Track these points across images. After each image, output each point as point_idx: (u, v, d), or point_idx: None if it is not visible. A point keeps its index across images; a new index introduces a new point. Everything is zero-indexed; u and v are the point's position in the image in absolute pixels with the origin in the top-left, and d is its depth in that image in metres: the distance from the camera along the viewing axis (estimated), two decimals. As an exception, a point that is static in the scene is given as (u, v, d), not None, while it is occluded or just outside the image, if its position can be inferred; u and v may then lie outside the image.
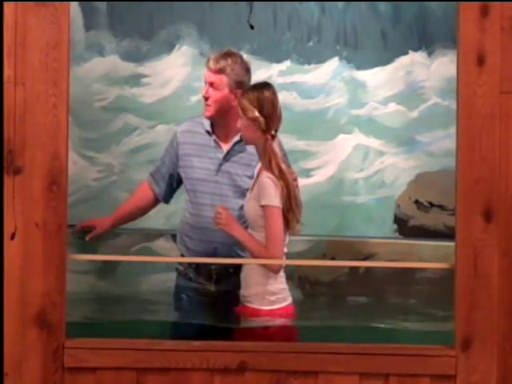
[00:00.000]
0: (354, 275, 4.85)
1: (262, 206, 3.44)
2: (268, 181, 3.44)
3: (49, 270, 2.88)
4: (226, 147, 3.84)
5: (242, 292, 3.56)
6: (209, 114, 3.83)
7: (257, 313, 3.50)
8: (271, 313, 3.50)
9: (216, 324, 3.54)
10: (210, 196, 3.80)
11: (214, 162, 3.82)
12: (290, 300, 3.56)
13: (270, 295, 3.50)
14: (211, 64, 3.81)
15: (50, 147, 2.88)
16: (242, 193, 3.76)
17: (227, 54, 3.85)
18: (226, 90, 3.81)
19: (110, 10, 5.04)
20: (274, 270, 3.49)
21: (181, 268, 3.90)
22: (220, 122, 3.84)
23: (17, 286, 2.88)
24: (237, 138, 3.81)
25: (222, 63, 3.80)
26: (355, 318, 4.19)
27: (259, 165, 3.60)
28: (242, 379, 2.91)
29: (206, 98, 3.81)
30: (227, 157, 3.82)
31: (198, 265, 3.82)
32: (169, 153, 3.94)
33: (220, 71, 3.79)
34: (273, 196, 3.43)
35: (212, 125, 3.87)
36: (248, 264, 3.55)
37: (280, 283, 3.53)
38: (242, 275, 3.57)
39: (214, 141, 3.84)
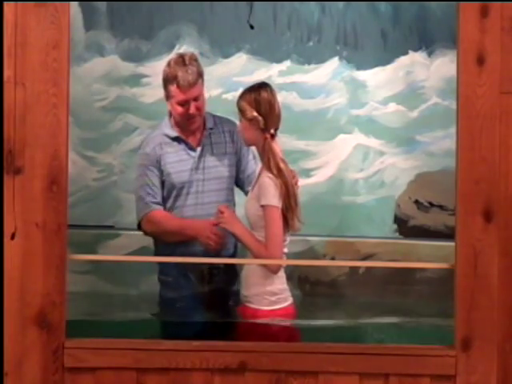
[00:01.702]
0: (354, 275, 4.85)
1: (262, 206, 3.45)
2: (268, 180, 3.44)
3: (49, 270, 2.88)
4: (197, 145, 3.83)
5: (243, 292, 3.56)
6: (197, 124, 3.79)
7: (257, 313, 3.50)
8: (272, 313, 3.49)
9: (215, 321, 3.55)
10: (194, 195, 3.79)
11: (190, 162, 3.81)
12: (290, 300, 3.56)
13: (270, 295, 3.50)
14: (184, 82, 3.68)
15: (50, 147, 2.88)
16: (225, 183, 3.76)
17: (182, 60, 3.74)
18: (203, 91, 3.80)
19: (110, 10, 5.04)
20: (273, 271, 3.49)
21: (169, 278, 3.85)
22: (193, 125, 3.82)
23: (17, 285, 2.88)
24: (206, 132, 3.81)
25: (193, 69, 3.72)
26: (355, 317, 4.18)
27: (260, 165, 3.61)
28: (242, 379, 2.91)
29: (193, 114, 3.74)
30: (201, 153, 3.81)
31: (188, 269, 3.79)
32: (154, 173, 3.82)
33: (197, 79, 3.73)
34: (272, 196, 3.43)
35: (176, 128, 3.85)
36: (248, 264, 3.54)
37: (280, 283, 3.53)
38: (243, 275, 3.57)
39: (184, 143, 3.83)
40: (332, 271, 4.85)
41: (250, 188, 3.64)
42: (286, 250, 3.53)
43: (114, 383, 2.92)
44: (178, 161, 3.81)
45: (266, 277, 3.49)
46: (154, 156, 3.81)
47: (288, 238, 3.53)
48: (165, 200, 3.83)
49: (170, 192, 3.81)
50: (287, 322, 3.54)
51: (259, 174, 3.54)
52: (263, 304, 3.50)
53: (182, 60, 3.76)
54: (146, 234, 3.89)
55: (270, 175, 3.45)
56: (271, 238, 3.43)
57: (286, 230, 3.50)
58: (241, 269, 3.65)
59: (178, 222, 3.78)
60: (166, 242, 3.80)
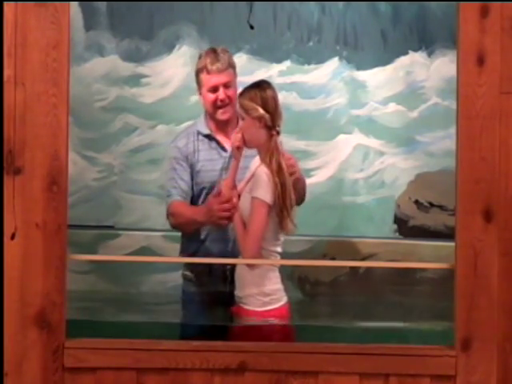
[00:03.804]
0: (353, 275, 4.85)
1: (253, 198, 3.42)
2: (264, 175, 3.42)
3: (49, 270, 2.88)
4: (229, 145, 3.83)
5: (237, 293, 3.53)
6: (228, 115, 3.79)
7: (251, 314, 3.48)
8: (265, 313, 3.48)
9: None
10: None
11: (220, 162, 3.81)
12: (285, 300, 3.53)
13: (264, 296, 3.48)
14: (213, 66, 3.73)
15: (50, 147, 2.88)
16: None
17: (214, 51, 3.80)
18: (235, 82, 3.81)
19: (110, 10, 5.05)
20: (246, 255, 3.44)
21: (191, 275, 3.86)
22: (224, 121, 3.83)
23: (17, 285, 2.88)
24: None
25: (224, 58, 3.76)
26: (355, 317, 4.19)
27: (254, 160, 3.58)
28: (242, 379, 2.91)
29: (223, 101, 3.76)
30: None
31: (211, 268, 3.79)
32: (183, 168, 3.81)
33: (227, 67, 3.76)
34: (265, 191, 3.40)
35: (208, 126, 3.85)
36: (245, 264, 3.51)
37: (275, 283, 3.50)
38: (236, 275, 3.55)
39: (216, 143, 3.83)
40: (332, 271, 4.86)
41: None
42: (279, 250, 3.51)
43: (113, 383, 2.92)
44: (209, 159, 3.81)
45: (261, 277, 3.47)
46: (185, 151, 3.82)
47: (282, 238, 3.51)
48: (196, 198, 3.82)
49: (201, 190, 3.80)
50: (286, 322, 3.53)
51: (256, 169, 3.50)
52: (257, 305, 3.48)
53: (212, 50, 3.81)
54: (173, 227, 3.87)
55: (268, 171, 3.43)
56: (251, 230, 3.40)
57: (279, 230, 3.48)
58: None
59: (187, 210, 3.77)
60: (189, 233, 3.80)
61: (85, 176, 4.97)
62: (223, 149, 3.82)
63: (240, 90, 3.65)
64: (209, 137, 3.84)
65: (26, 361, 2.89)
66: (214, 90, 3.76)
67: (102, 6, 5.03)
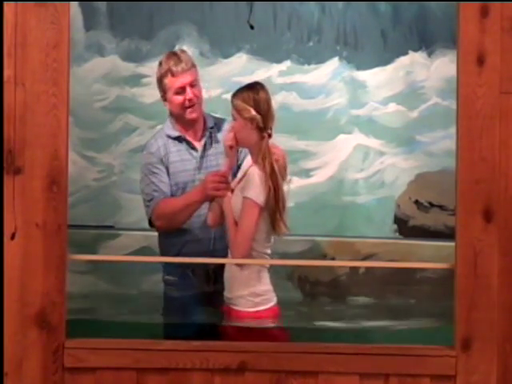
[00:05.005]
0: (354, 275, 4.86)
1: (244, 198, 3.41)
2: (256, 176, 3.41)
3: (49, 270, 2.88)
4: (199, 144, 3.83)
5: (226, 294, 3.52)
6: (197, 114, 3.81)
7: (241, 315, 3.47)
8: (255, 314, 3.47)
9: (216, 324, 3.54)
10: None
11: (193, 162, 3.82)
12: (274, 301, 3.52)
13: (255, 297, 3.47)
14: (178, 67, 3.74)
15: (50, 147, 2.88)
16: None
17: (174, 53, 3.83)
18: (199, 81, 3.82)
19: (110, 10, 5.05)
20: (235, 255, 3.44)
21: (174, 278, 3.85)
22: (192, 121, 3.83)
23: (17, 286, 2.88)
24: (206, 131, 3.84)
25: (186, 59, 3.78)
26: (355, 318, 4.19)
27: (246, 161, 3.57)
28: (242, 379, 2.91)
29: (191, 100, 3.77)
30: (203, 153, 3.82)
31: (194, 268, 3.79)
32: (160, 170, 3.81)
33: (191, 66, 3.78)
34: (257, 192, 3.40)
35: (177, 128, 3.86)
36: (248, 264, 3.52)
37: (264, 284, 3.50)
38: (226, 276, 3.54)
39: (187, 143, 3.84)
40: (332, 271, 4.86)
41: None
42: (269, 252, 3.50)
43: (113, 383, 2.92)
44: (181, 160, 3.82)
45: (251, 278, 3.47)
46: (158, 155, 3.82)
47: (272, 239, 3.50)
48: None
49: (176, 191, 3.80)
50: (277, 323, 3.53)
51: (248, 169, 3.50)
52: (247, 306, 3.47)
53: (172, 53, 3.83)
54: (159, 230, 3.85)
55: (262, 173, 3.42)
56: (242, 229, 3.39)
57: (272, 232, 3.48)
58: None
59: (179, 198, 3.76)
60: (177, 228, 3.77)
61: (85, 176, 4.97)
62: (194, 149, 3.84)
63: (234, 90, 3.65)
64: (179, 139, 3.84)
65: (26, 361, 2.89)
66: (181, 91, 3.77)
67: (102, 5, 5.04)
